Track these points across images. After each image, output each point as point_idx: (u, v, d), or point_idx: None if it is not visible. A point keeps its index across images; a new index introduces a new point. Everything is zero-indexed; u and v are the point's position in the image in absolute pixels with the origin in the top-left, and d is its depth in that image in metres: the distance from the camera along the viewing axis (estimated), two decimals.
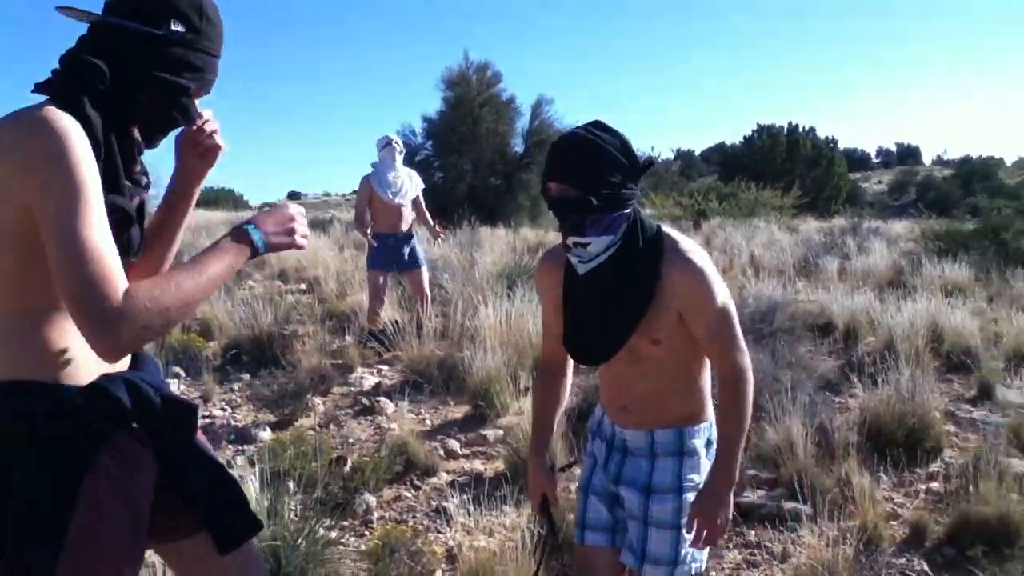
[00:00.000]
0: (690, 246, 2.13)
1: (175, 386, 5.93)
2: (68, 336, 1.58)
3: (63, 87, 1.57)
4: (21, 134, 1.46)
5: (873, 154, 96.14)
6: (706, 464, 2.25)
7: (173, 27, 1.64)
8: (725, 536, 2.16)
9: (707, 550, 2.25)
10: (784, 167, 32.85)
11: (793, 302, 7.65)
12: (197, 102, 1.78)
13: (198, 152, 1.92)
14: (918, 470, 4.56)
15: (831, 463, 4.35)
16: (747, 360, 2.12)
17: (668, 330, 2.11)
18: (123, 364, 1.77)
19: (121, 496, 1.66)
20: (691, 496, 2.20)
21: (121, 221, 1.62)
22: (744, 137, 37.37)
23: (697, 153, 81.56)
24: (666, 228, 2.18)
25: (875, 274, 10.61)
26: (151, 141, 1.78)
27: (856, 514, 3.83)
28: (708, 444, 2.29)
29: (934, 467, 4.58)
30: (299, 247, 1.80)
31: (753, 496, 4.18)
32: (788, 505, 4.01)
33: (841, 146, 38.23)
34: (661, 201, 22.92)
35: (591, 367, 2.32)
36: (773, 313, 6.95)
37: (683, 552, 2.19)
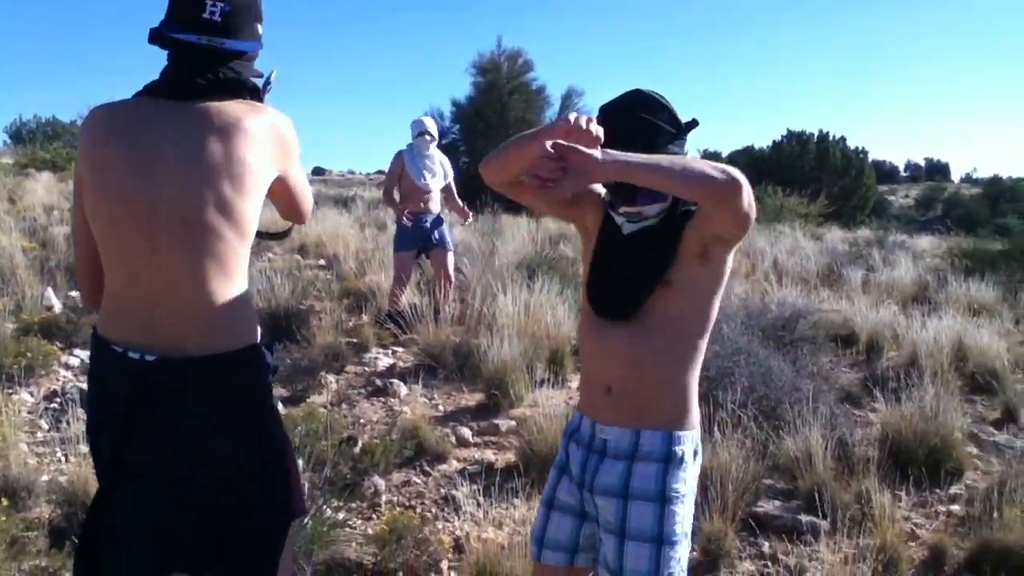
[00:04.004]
0: None
1: None
2: None
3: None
4: (283, 125, 2.10)
5: (902, 167, 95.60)
6: (693, 474, 2.09)
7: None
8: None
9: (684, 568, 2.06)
10: (812, 175, 32.35)
11: (816, 311, 7.51)
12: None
13: None
14: (938, 491, 4.45)
15: (850, 478, 4.26)
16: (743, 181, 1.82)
17: (683, 270, 2.02)
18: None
19: None
20: (677, 509, 2.02)
21: None
22: (773, 142, 36.88)
23: (724, 155, 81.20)
24: None
25: (900, 288, 10.43)
26: None
27: (874, 532, 3.73)
28: (695, 454, 2.11)
29: (955, 489, 4.46)
30: None
31: (769, 507, 4.08)
32: (805, 519, 3.92)
33: (870, 158, 37.66)
34: None
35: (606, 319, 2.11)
36: (796, 321, 6.82)
37: (664, 570, 1.99)
